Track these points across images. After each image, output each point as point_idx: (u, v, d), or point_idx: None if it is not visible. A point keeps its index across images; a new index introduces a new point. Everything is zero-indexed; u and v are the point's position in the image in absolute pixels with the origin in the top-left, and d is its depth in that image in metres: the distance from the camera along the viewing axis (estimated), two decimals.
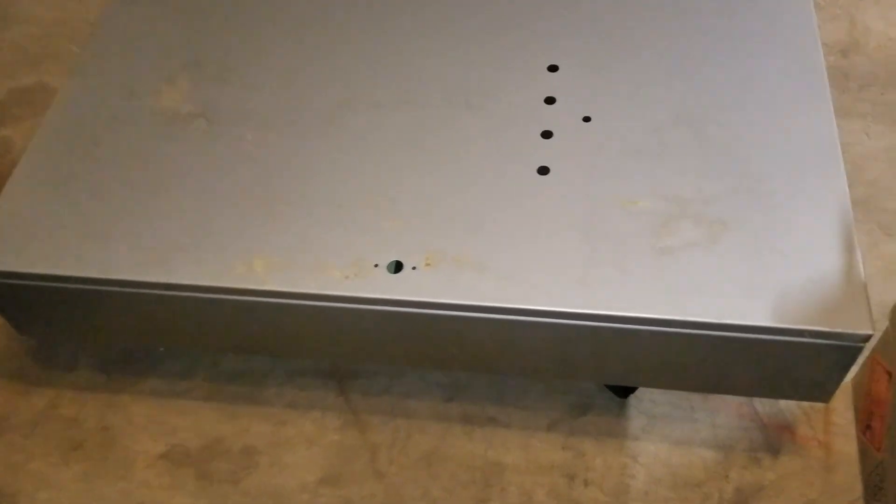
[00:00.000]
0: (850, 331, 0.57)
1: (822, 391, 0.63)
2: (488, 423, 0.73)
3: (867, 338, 0.57)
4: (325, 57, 0.76)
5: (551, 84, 0.72)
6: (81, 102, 0.74)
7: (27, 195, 0.67)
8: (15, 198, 0.67)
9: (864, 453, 0.70)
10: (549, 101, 0.71)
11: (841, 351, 0.58)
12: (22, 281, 0.64)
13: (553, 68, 0.73)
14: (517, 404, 0.74)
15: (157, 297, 0.63)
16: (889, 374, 0.66)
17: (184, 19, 0.80)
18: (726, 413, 0.73)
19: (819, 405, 0.73)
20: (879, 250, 0.83)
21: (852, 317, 0.57)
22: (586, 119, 0.69)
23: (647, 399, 0.74)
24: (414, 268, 0.61)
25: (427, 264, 0.61)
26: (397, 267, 0.62)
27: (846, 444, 0.71)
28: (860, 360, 0.71)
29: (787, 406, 0.73)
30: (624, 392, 0.73)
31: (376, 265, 0.62)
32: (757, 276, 0.60)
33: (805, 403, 0.73)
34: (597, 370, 0.66)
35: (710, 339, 0.59)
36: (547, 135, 0.69)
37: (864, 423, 0.70)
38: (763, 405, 0.73)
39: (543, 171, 0.66)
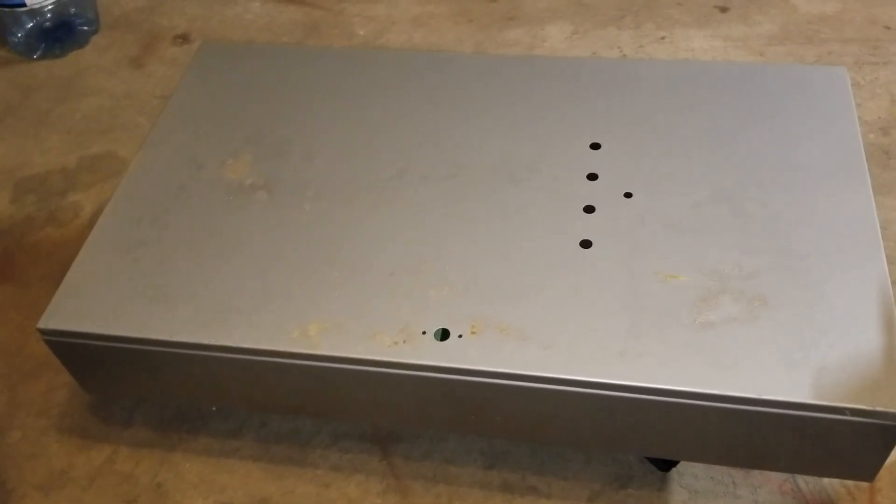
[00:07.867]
0: (891, 409, 0.57)
1: (864, 470, 0.63)
2: (529, 492, 0.74)
3: None
4: (378, 133, 0.80)
5: (594, 161, 0.75)
6: (152, 172, 0.79)
7: (99, 259, 0.72)
8: (88, 262, 0.72)
9: None
10: (592, 177, 0.74)
11: (882, 429, 0.59)
12: (91, 341, 0.68)
13: (595, 146, 0.77)
14: (558, 474, 0.75)
15: (217, 359, 0.66)
16: None
17: (247, 98, 0.85)
18: (769, 489, 0.73)
19: (864, 484, 0.72)
20: None
21: (893, 395, 0.58)
22: (628, 195, 0.72)
23: (688, 473, 0.74)
24: (460, 336, 0.64)
25: (472, 332, 0.64)
26: (444, 335, 0.64)
27: None
28: None
29: (831, 484, 0.72)
30: (666, 465, 0.74)
31: (424, 332, 0.64)
32: (797, 352, 0.61)
33: (849, 482, 0.72)
34: (637, 442, 0.67)
35: (750, 414, 0.60)
36: (589, 209, 0.71)
37: None
38: (806, 482, 0.73)
39: (586, 244, 0.69)
